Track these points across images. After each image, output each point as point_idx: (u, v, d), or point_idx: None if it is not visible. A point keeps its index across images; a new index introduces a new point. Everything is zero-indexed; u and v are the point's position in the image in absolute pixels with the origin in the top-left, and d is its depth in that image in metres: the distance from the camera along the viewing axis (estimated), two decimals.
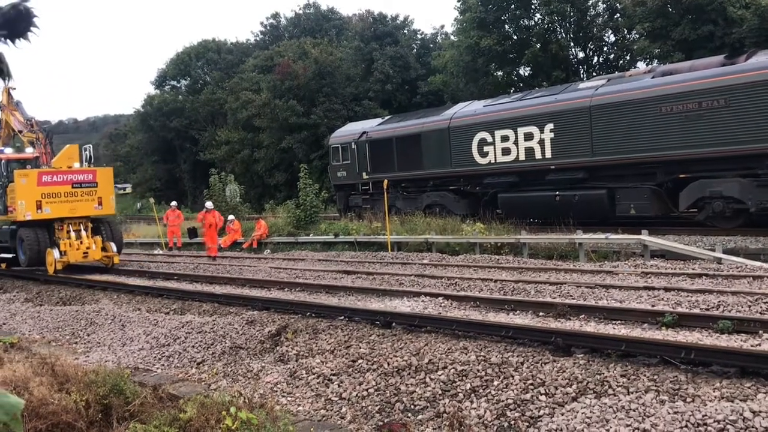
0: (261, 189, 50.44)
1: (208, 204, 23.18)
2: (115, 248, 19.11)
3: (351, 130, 28.35)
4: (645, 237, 14.51)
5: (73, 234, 18.45)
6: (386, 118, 29.23)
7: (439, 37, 50.91)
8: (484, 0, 33.41)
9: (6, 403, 0.96)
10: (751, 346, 6.90)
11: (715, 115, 15.96)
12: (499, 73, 37.11)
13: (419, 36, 52.02)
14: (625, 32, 31.85)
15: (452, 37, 42.14)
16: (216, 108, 58.49)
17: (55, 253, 18.08)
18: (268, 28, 66.61)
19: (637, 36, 28.56)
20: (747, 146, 15.46)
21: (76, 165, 19.32)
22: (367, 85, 46.05)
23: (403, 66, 45.64)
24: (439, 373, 7.04)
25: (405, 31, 50.50)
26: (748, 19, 22.05)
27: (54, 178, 18.25)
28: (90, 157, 20.14)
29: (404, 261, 16.96)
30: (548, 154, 19.58)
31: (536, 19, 35.38)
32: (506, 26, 35.28)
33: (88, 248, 18.35)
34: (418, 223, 21.12)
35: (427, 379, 6.96)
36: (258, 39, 67.50)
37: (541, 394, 6.19)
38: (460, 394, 6.55)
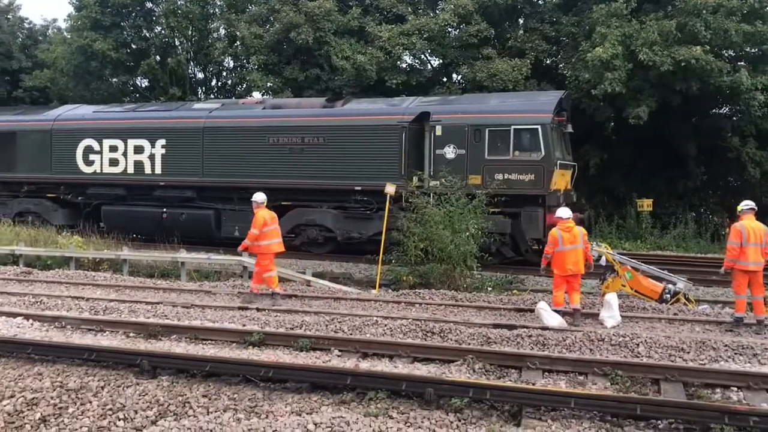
0: None
1: None
2: None
3: None
4: (245, 258, 15.10)
5: None
6: None
7: (50, 31, 46.34)
8: (103, 1, 31.48)
9: None
10: (323, 362, 7.65)
11: (316, 151, 17.49)
12: (115, 80, 35.20)
13: (27, 25, 46.71)
14: (244, 61, 33.02)
15: (65, 33, 38.72)
16: None
17: None
18: None
19: (255, 67, 29.83)
20: (339, 182, 17.23)
21: None
22: None
23: (4, 54, 40.52)
24: (5, 403, 6.28)
25: (9, 17, 44.87)
26: (347, 70, 24.77)
27: None
28: None
29: None
30: (158, 170, 19.17)
31: (157, 30, 34.58)
32: (125, 33, 33.72)
33: None
34: (4, 233, 18.69)
35: None
36: None
37: (120, 419, 5.98)
38: (27, 426, 5.94)
